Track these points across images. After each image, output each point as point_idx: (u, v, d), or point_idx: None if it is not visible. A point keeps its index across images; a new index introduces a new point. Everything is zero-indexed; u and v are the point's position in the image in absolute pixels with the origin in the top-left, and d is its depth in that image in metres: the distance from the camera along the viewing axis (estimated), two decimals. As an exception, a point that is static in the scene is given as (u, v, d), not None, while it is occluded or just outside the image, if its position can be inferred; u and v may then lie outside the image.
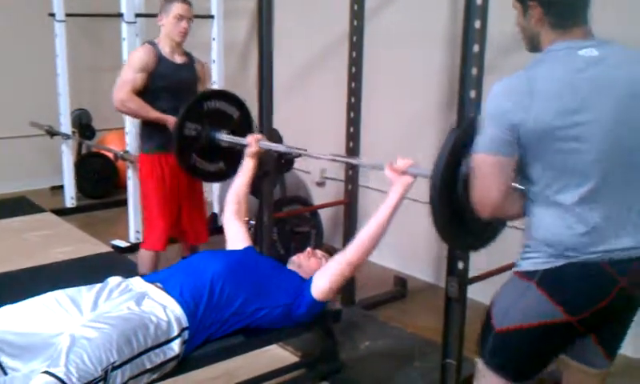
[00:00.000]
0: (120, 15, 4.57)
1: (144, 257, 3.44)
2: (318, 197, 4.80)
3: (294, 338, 3.04)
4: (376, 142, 4.13)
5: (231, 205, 2.84)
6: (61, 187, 5.77)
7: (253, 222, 4.25)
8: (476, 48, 2.36)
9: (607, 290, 1.71)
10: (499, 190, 1.71)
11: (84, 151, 6.07)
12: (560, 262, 1.71)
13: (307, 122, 4.82)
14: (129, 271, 3.45)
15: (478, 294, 3.46)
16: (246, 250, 2.66)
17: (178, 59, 3.40)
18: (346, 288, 3.66)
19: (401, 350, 3.28)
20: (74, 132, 5.66)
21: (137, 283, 2.33)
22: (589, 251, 1.69)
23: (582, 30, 1.73)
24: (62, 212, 5.44)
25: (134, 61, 3.30)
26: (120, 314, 2.09)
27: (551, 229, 1.71)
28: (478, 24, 2.34)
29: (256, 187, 3.59)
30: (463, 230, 2.02)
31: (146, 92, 3.31)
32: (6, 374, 2.03)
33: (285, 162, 4.30)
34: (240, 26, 5.39)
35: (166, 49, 3.35)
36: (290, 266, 2.66)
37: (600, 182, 1.68)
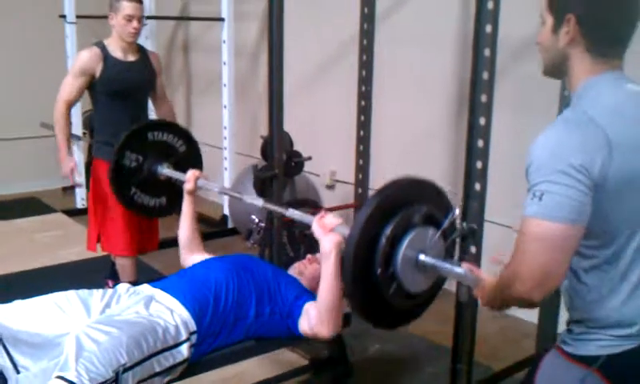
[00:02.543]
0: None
1: (125, 265, 3.37)
2: (328, 200, 4.79)
3: (303, 342, 3.03)
4: (386, 145, 4.12)
5: (182, 251, 2.75)
6: (72, 188, 5.79)
7: (258, 221, 4.25)
8: (487, 52, 2.35)
9: None
10: (565, 266, 1.37)
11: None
12: (632, 345, 1.42)
13: (318, 125, 4.82)
14: (138, 271, 3.47)
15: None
16: (246, 255, 2.67)
17: (131, 58, 3.30)
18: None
19: (411, 354, 3.26)
20: (84, 133, 5.67)
21: (144, 288, 2.36)
22: None
23: (619, 61, 1.45)
24: (72, 213, 5.46)
25: (75, 64, 3.25)
26: (128, 318, 2.11)
27: (623, 306, 1.42)
28: (489, 28, 2.33)
29: (265, 189, 3.59)
30: (382, 308, 1.88)
31: (95, 100, 3.28)
32: (18, 371, 2.06)
33: (294, 164, 4.30)
34: (250, 28, 5.39)
35: (116, 49, 3.25)
36: (291, 272, 2.67)
37: None
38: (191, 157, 3.21)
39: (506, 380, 2.84)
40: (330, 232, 2.10)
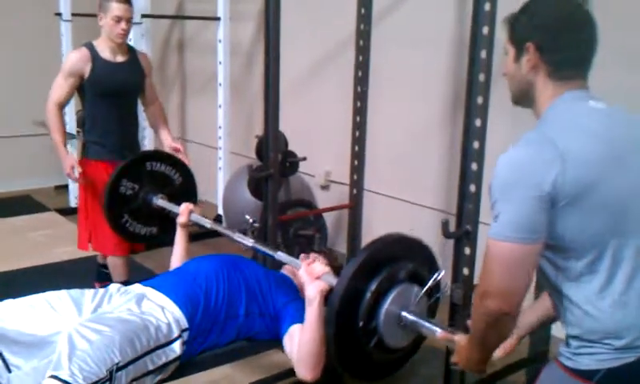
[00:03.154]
0: (126, 16, 4.57)
1: (116, 265, 3.36)
2: (323, 200, 4.78)
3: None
4: (381, 146, 4.12)
5: None
6: (65, 187, 5.77)
7: (252, 221, 4.24)
8: (484, 54, 2.35)
9: None
10: (527, 280, 1.43)
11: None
12: (631, 358, 1.41)
13: (313, 126, 4.81)
14: (131, 271, 3.45)
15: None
16: (237, 255, 2.67)
17: (120, 58, 3.28)
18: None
19: (404, 355, 3.25)
20: (78, 132, 5.64)
21: (136, 287, 2.36)
22: None
23: (582, 82, 1.49)
24: (65, 211, 5.43)
25: (64, 65, 3.23)
26: (120, 316, 2.12)
27: (610, 317, 1.41)
28: (485, 30, 2.33)
29: (260, 190, 3.58)
30: (362, 359, 1.91)
31: (85, 100, 3.26)
32: (9, 370, 2.05)
33: (289, 164, 4.29)
34: (246, 28, 5.38)
35: (105, 50, 3.23)
36: (284, 271, 2.66)
37: None
38: (187, 190, 3.23)
39: (499, 382, 2.83)
40: (316, 279, 2.11)
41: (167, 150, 3.41)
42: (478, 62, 2.37)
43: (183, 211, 2.82)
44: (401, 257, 1.94)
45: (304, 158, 4.37)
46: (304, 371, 2.20)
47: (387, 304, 1.86)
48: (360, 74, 3.51)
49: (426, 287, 1.93)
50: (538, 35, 1.47)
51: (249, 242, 2.57)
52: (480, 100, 2.38)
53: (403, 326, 1.91)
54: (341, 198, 4.38)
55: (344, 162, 3.74)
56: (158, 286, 2.34)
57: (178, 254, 2.79)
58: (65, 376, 1.82)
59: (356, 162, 3.62)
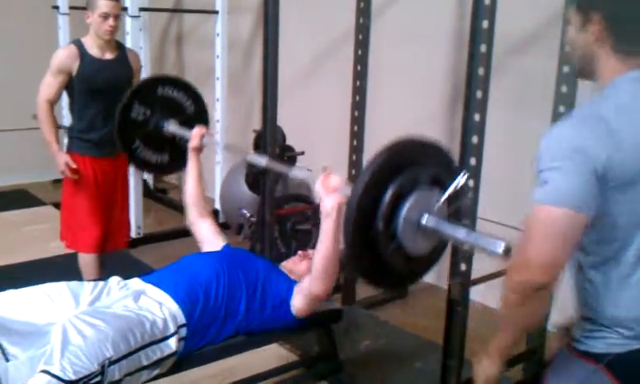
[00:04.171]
0: (124, 9, 4.55)
1: (88, 263, 3.34)
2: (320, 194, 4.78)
3: (293, 337, 3.03)
4: (380, 140, 4.10)
5: (191, 209, 2.77)
6: (62, 181, 5.75)
7: (249, 215, 4.24)
8: (483, 48, 2.34)
9: None
10: (568, 253, 1.39)
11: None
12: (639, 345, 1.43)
13: (311, 120, 4.81)
14: (127, 266, 3.45)
15: (481, 295, 3.45)
16: (239, 250, 2.68)
17: (108, 55, 3.26)
18: (347, 287, 3.65)
19: (401, 350, 3.26)
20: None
21: (135, 282, 2.35)
22: None
23: None
24: (62, 205, 5.42)
25: (52, 62, 3.20)
26: (116, 312, 2.11)
27: (627, 305, 1.42)
28: (485, 24, 2.32)
29: (257, 184, 3.58)
30: (382, 269, 1.84)
31: (72, 96, 3.25)
32: (7, 359, 2.06)
33: (287, 159, 4.28)
34: (244, 21, 5.37)
35: (93, 47, 3.21)
36: (282, 268, 2.66)
37: None
38: (199, 118, 3.13)
39: (496, 377, 2.84)
40: (333, 192, 2.10)
41: None
42: (477, 56, 2.36)
43: (195, 135, 2.78)
44: (421, 160, 1.85)
45: (302, 153, 4.37)
46: (318, 286, 2.26)
47: (407, 207, 1.77)
48: (359, 68, 3.50)
49: (449, 191, 1.83)
50: (605, 5, 1.41)
51: (262, 160, 2.57)
52: (479, 94, 2.37)
53: (423, 231, 1.81)
54: (338, 192, 4.38)
55: (342, 156, 3.73)
56: (158, 281, 2.33)
57: (192, 181, 2.78)
58: (55, 371, 1.81)
59: (354, 157, 3.61)
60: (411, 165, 1.81)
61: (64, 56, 3.18)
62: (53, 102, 3.23)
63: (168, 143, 3.05)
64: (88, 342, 1.92)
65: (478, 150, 2.40)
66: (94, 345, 1.91)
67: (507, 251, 1.65)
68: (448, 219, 1.83)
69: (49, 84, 3.20)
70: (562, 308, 3.22)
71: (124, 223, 3.54)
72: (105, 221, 3.36)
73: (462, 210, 1.98)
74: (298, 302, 2.40)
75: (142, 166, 3.18)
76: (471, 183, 2.40)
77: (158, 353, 2.10)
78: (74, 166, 3.21)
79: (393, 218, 1.77)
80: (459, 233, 1.77)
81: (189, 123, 2.99)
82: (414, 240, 1.82)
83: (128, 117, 2.94)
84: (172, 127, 2.99)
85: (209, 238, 2.71)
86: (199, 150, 2.80)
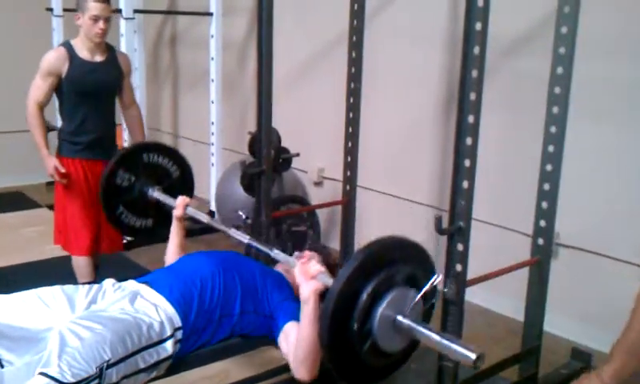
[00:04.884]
0: (118, 11, 4.55)
1: (81, 266, 3.34)
2: (316, 196, 4.79)
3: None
4: (375, 142, 4.12)
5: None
6: (54, 184, 5.75)
7: (245, 217, 4.23)
8: (477, 50, 2.34)
9: None
10: None
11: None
12: None
13: (306, 122, 4.81)
14: (122, 268, 3.44)
15: (476, 296, 3.46)
16: (232, 252, 2.66)
17: (98, 58, 3.25)
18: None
19: (397, 351, 3.26)
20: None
21: (130, 284, 2.35)
22: None
23: None
24: (57, 208, 5.41)
25: (42, 65, 3.19)
26: (113, 315, 2.11)
27: None
28: (479, 26, 2.32)
29: (253, 186, 3.58)
30: (354, 363, 1.88)
31: (62, 98, 3.24)
32: (2, 366, 2.05)
33: (282, 160, 4.29)
34: (239, 23, 5.37)
35: (83, 49, 3.21)
36: (278, 268, 2.66)
37: None
38: (184, 183, 3.17)
39: (491, 378, 2.84)
40: (311, 279, 2.09)
41: None
42: (471, 59, 2.36)
43: (179, 204, 2.80)
44: (398, 259, 1.92)
45: (297, 154, 4.37)
46: (301, 371, 2.19)
47: (382, 307, 1.84)
48: (353, 70, 3.51)
49: (422, 292, 1.92)
50: None
51: (245, 238, 2.57)
52: (473, 96, 2.37)
53: (398, 330, 1.89)
54: (334, 194, 4.39)
55: (337, 158, 3.74)
56: (153, 283, 2.33)
57: (173, 247, 2.78)
58: (53, 373, 1.81)
59: (349, 159, 3.61)
60: (388, 264, 1.88)
61: (53, 58, 3.17)
62: (42, 105, 3.22)
63: (152, 207, 3.07)
64: (85, 344, 1.92)
65: (472, 151, 2.40)
66: (91, 347, 1.91)
67: (478, 359, 1.71)
68: (422, 321, 1.92)
69: (38, 87, 3.19)
70: (561, 308, 3.24)
71: None
72: (97, 223, 3.35)
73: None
74: (282, 350, 2.34)
75: (126, 230, 3.17)
76: (465, 185, 2.41)
77: (155, 356, 2.11)
78: (63, 171, 3.21)
79: (369, 317, 1.84)
80: (432, 336, 1.84)
81: (174, 188, 3.04)
82: (389, 337, 1.89)
83: (112, 182, 2.97)
84: (156, 194, 3.02)
85: None
86: (182, 219, 2.81)
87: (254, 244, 2.53)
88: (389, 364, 2.02)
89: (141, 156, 3.06)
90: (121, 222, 3.08)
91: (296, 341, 2.19)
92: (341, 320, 1.82)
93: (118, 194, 3.01)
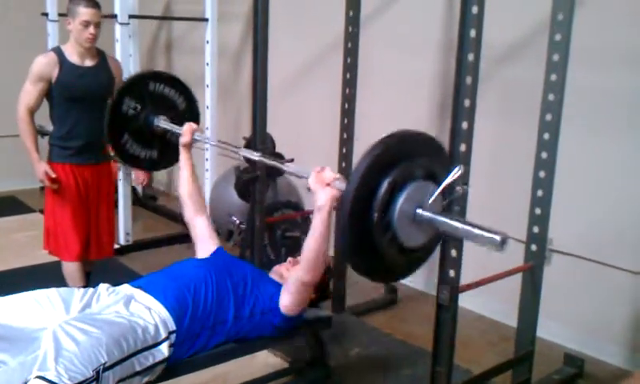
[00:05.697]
0: (114, 16, 4.56)
1: (72, 271, 3.33)
2: (310, 202, 4.78)
3: (284, 344, 3.03)
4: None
5: (187, 204, 2.77)
6: (45, 189, 5.73)
7: (239, 222, 4.24)
8: (471, 57, 2.36)
9: None
10: None
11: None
12: None
13: (301, 127, 4.82)
14: (117, 273, 3.43)
15: (469, 302, 3.47)
16: (228, 257, 2.67)
17: (88, 63, 3.25)
18: (337, 294, 3.65)
19: (390, 357, 3.27)
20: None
21: (124, 288, 2.35)
22: None
23: None
24: (51, 212, 5.39)
25: (32, 70, 3.19)
26: (108, 318, 2.12)
27: None
28: (473, 33, 2.34)
29: (247, 191, 3.58)
30: (376, 260, 1.86)
31: (52, 103, 3.24)
32: None
33: (277, 166, 4.29)
34: (234, 29, 5.38)
35: (73, 54, 3.21)
36: (271, 275, 2.67)
37: None
38: (189, 115, 3.11)
39: (485, 383, 2.85)
40: (326, 186, 2.11)
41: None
42: (465, 65, 2.37)
43: (186, 131, 2.78)
44: (415, 153, 1.87)
45: (291, 160, 4.37)
46: (306, 275, 2.29)
47: (402, 199, 1.80)
48: (348, 76, 3.52)
49: (443, 184, 1.86)
50: None
51: (255, 155, 2.57)
52: (467, 103, 2.38)
53: (419, 222, 1.84)
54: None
55: (332, 164, 3.74)
56: (147, 287, 2.33)
57: (184, 177, 2.77)
58: (51, 376, 1.81)
59: (344, 164, 3.62)
60: (406, 158, 1.83)
61: (43, 63, 3.17)
62: (33, 110, 3.21)
63: (157, 139, 3.03)
64: (82, 347, 1.92)
65: (466, 157, 2.41)
66: (88, 350, 1.91)
67: (504, 242, 1.67)
68: (442, 212, 1.86)
69: (28, 92, 3.18)
70: (554, 314, 3.25)
71: (109, 231, 3.51)
72: (88, 229, 3.35)
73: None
74: (286, 299, 2.41)
75: (131, 160, 3.11)
76: (459, 190, 2.41)
77: (150, 359, 2.11)
78: (53, 176, 3.20)
79: (388, 209, 1.79)
80: (454, 224, 1.80)
81: (179, 120, 2.97)
82: (409, 231, 1.85)
83: (119, 110, 2.93)
84: (162, 123, 2.98)
85: (203, 236, 2.71)
86: (190, 145, 2.80)
87: (266, 160, 2.59)
88: (409, 260, 1.97)
89: (147, 85, 3.01)
90: (125, 152, 3.02)
91: (305, 246, 2.24)
92: (361, 212, 1.77)
93: (123, 122, 2.96)
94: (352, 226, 1.77)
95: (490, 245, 1.72)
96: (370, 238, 1.80)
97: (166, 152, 3.05)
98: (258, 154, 2.56)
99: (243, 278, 2.49)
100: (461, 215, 2.34)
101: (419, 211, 1.83)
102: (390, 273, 2.00)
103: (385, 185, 1.77)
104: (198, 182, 2.83)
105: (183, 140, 2.79)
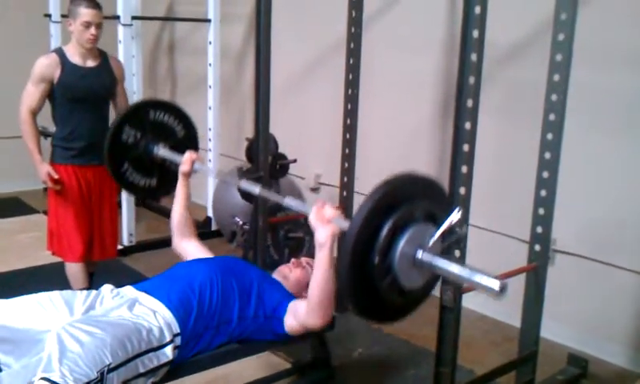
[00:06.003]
0: (116, 17, 4.56)
1: (75, 272, 3.34)
2: (313, 202, 4.78)
3: (286, 345, 3.02)
4: (372, 149, 4.13)
5: (175, 233, 2.79)
6: (47, 190, 5.74)
7: (242, 223, 4.23)
8: (474, 57, 2.36)
9: None
10: None
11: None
12: None
13: (303, 128, 4.82)
14: (120, 274, 3.43)
15: (473, 302, 3.47)
16: (232, 257, 2.67)
17: (90, 63, 3.26)
18: (340, 294, 3.65)
19: (394, 357, 3.27)
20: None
21: (128, 291, 2.35)
22: None
23: None
24: (54, 214, 5.40)
25: (34, 71, 3.19)
26: (112, 320, 2.11)
27: None
28: (476, 33, 2.34)
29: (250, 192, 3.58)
30: (373, 299, 1.86)
31: (55, 104, 3.24)
32: (0, 369, 2.04)
33: (280, 167, 4.29)
34: (236, 30, 5.39)
35: (75, 55, 3.22)
36: (275, 275, 2.66)
37: None
38: (189, 142, 3.11)
39: (488, 384, 2.85)
40: (327, 223, 2.10)
41: None
42: (468, 65, 2.37)
43: (186, 160, 2.78)
44: (415, 196, 1.88)
45: (294, 161, 4.37)
46: (315, 319, 2.25)
47: (403, 242, 1.80)
48: (351, 76, 3.52)
49: (443, 227, 1.87)
50: None
51: (256, 189, 2.56)
52: (470, 103, 2.38)
53: (419, 265, 1.85)
54: (330, 200, 4.38)
55: (334, 164, 3.75)
56: (151, 290, 2.33)
57: (178, 205, 2.79)
58: (55, 378, 1.81)
59: (346, 165, 3.62)
60: (407, 200, 1.84)
61: (45, 64, 3.18)
62: (35, 112, 3.22)
63: (157, 167, 3.05)
64: (86, 349, 1.92)
65: (469, 158, 2.41)
66: (92, 352, 1.91)
67: (502, 289, 1.69)
68: (442, 255, 1.88)
69: (30, 93, 3.19)
70: (558, 315, 3.25)
71: (112, 232, 3.51)
72: (91, 230, 3.35)
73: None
74: (291, 323, 2.39)
75: (130, 189, 3.13)
76: (462, 191, 2.42)
77: (154, 360, 2.11)
78: (56, 177, 3.21)
79: (389, 252, 1.81)
80: (453, 268, 1.81)
81: (179, 148, 2.99)
82: (409, 274, 1.87)
83: (118, 139, 2.94)
84: (162, 151, 2.99)
85: (199, 256, 2.71)
86: (189, 175, 2.81)
87: (265, 194, 2.57)
88: (408, 302, 1.98)
89: (147, 113, 3.01)
90: (125, 180, 3.03)
91: (310, 288, 2.22)
92: (361, 255, 1.78)
93: (123, 151, 2.96)
94: (353, 269, 1.79)
95: (489, 293, 1.74)
96: (371, 282, 1.82)
97: (166, 179, 3.06)
98: (258, 187, 2.55)
99: (249, 278, 2.49)
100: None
101: (419, 256, 1.85)
102: (388, 315, 2.01)
103: (386, 227, 1.79)
104: (189, 213, 2.83)
105: (183, 169, 2.79)
